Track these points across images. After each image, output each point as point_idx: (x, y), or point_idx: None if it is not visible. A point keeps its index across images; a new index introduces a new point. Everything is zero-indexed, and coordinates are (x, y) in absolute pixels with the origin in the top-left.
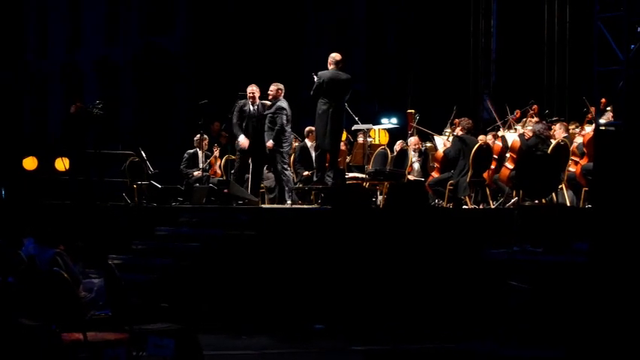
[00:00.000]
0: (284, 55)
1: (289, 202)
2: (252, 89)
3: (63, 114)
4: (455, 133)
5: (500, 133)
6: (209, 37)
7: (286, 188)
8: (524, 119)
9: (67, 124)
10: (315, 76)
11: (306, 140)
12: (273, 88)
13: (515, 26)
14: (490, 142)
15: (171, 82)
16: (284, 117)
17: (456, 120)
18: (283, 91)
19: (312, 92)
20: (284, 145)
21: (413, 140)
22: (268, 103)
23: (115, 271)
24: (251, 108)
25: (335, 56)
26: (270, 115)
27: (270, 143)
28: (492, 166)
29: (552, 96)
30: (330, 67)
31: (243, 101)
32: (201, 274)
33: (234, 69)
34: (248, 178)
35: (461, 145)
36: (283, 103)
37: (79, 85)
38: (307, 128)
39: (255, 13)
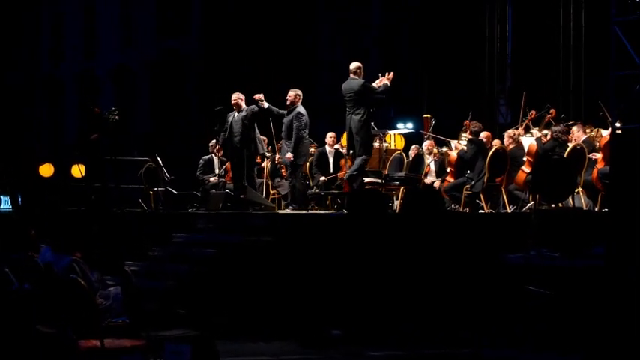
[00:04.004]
0: (298, 59)
1: (290, 208)
2: (237, 96)
3: (79, 120)
4: (466, 136)
5: (511, 132)
6: (224, 41)
7: (297, 195)
8: (541, 123)
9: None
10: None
11: (326, 146)
12: (291, 93)
13: (531, 30)
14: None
15: (186, 88)
16: (302, 123)
17: (467, 122)
18: (301, 97)
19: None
20: (301, 156)
21: (427, 143)
22: (265, 104)
23: (132, 277)
24: (236, 115)
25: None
26: (287, 120)
27: (289, 155)
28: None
29: (568, 100)
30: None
31: (231, 113)
32: (217, 280)
33: (249, 73)
34: (261, 183)
35: (476, 147)
36: (301, 108)
37: (95, 91)
38: (330, 134)
39: (270, 17)
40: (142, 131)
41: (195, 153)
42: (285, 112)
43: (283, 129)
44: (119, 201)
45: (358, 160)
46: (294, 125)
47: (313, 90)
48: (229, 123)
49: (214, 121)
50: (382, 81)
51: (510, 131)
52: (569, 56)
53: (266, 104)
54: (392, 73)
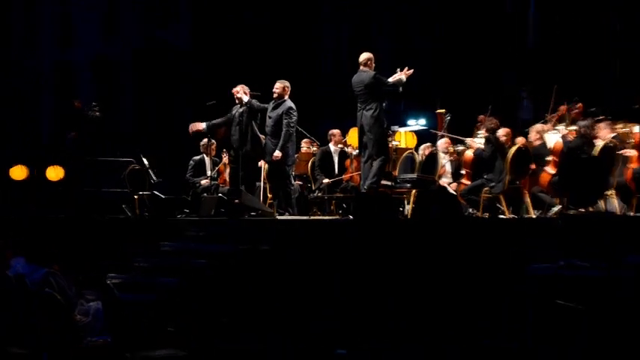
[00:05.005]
0: (299, 48)
1: (287, 214)
2: (236, 88)
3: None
4: (482, 134)
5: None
6: (216, 31)
7: (288, 200)
8: (568, 118)
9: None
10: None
11: (330, 144)
12: (279, 85)
13: (556, 12)
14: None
15: (175, 81)
16: (294, 119)
17: (481, 117)
18: (289, 89)
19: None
20: (290, 156)
21: (443, 141)
22: (245, 99)
23: (115, 291)
24: (237, 110)
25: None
26: (275, 116)
27: (277, 154)
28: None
29: (599, 93)
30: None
31: (235, 107)
32: (210, 294)
33: (244, 65)
34: (259, 186)
35: (494, 145)
36: (291, 103)
37: (73, 86)
38: (331, 131)
39: (268, 2)
40: (126, 129)
41: (185, 153)
42: (268, 105)
43: (269, 124)
44: (100, 206)
45: (376, 164)
46: (285, 121)
47: (315, 83)
48: (233, 118)
49: (206, 118)
50: (398, 76)
51: (538, 126)
52: (602, 43)
53: (245, 98)
54: (411, 70)
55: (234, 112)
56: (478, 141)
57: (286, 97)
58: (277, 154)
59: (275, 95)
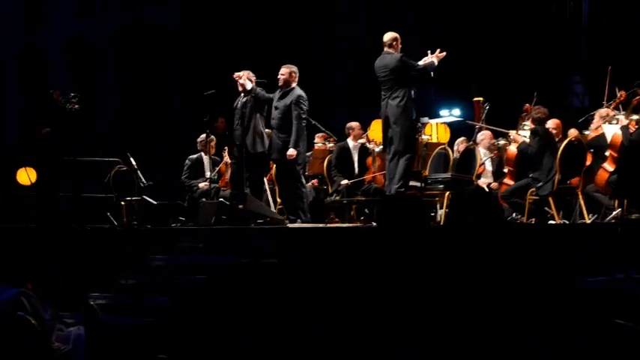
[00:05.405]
0: (310, 31)
1: (299, 221)
2: (238, 74)
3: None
4: (528, 125)
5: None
6: (212, 8)
7: (300, 204)
8: (629, 107)
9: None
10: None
11: (348, 140)
12: (285, 71)
13: None
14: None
15: (165, 68)
16: (304, 109)
17: (527, 106)
18: (297, 74)
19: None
20: (301, 152)
21: (482, 134)
22: (248, 86)
23: (99, 313)
24: (242, 100)
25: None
26: (282, 107)
27: (292, 152)
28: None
29: None
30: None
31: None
32: (209, 316)
33: (244, 48)
34: (265, 189)
35: (541, 139)
36: (301, 91)
37: (43, 74)
38: (350, 124)
39: None
40: (110, 124)
41: (180, 151)
42: (274, 95)
43: (275, 116)
44: (80, 215)
45: (403, 163)
46: (295, 113)
47: (329, 70)
48: (235, 110)
49: (203, 110)
50: (429, 59)
51: (603, 111)
52: None
53: (249, 85)
54: (444, 52)
55: (236, 103)
56: (523, 134)
57: (294, 84)
58: (292, 152)
59: (280, 83)
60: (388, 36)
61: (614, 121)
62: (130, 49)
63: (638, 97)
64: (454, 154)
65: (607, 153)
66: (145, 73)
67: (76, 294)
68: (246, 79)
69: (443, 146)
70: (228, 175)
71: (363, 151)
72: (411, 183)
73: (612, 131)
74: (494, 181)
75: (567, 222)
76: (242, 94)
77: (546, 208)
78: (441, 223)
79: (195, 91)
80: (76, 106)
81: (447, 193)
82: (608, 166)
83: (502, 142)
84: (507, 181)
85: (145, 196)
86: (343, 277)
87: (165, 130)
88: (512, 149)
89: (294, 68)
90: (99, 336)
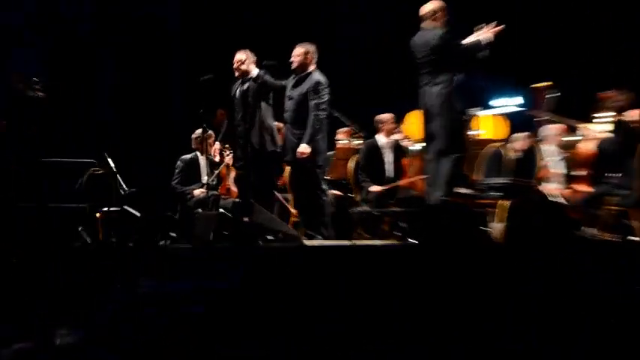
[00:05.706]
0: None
1: (319, 237)
2: (239, 57)
3: None
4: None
5: None
6: (211, 9)
7: (320, 216)
8: None
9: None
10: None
11: (378, 136)
12: (299, 51)
13: None
14: None
15: (154, 45)
16: (324, 99)
17: (601, 94)
18: (316, 55)
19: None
20: (321, 152)
21: (550, 128)
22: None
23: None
24: (242, 87)
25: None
26: (298, 96)
27: (304, 149)
28: None
29: None
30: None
31: (235, 84)
32: (207, 355)
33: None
34: (277, 198)
35: (625, 133)
36: (320, 75)
37: (5, 53)
38: (379, 117)
39: None
40: (82, 116)
41: (171, 150)
42: (288, 82)
43: (289, 108)
44: (45, 229)
45: (447, 165)
46: (312, 102)
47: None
48: (234, 99)
49: (199, 100)
50: (483, 35)
51: None
52: None
53: (255, 71)
54: (502, 26)
55: (233, 91)
56: (596, 128)
57: (311, 68)
58: (303, 148)
59: (294, 66)
60: (429, 7)
61: None
62: (112, 21)
63: None
64: (514, 154)
65: None
66: (129, 52)
67: (39, 329)
68: (249, 62)
69: (498, 144)
70: (230, 181)
71: (397, 150)
72: (459, 190)
73: None
74: (566, 186)
75: None
76: (240, 80)
77: (626, 221)
78: (498, 240)
79: (190, 77)
80: (40, 93)
81: (505, 202)
82: None
83: (571, 138)
84: (579, 187)
85: (125, 206)
86: (374, 303)
87: (154, 124)
88: (588, 147)
89: (311, 47)
90: None
